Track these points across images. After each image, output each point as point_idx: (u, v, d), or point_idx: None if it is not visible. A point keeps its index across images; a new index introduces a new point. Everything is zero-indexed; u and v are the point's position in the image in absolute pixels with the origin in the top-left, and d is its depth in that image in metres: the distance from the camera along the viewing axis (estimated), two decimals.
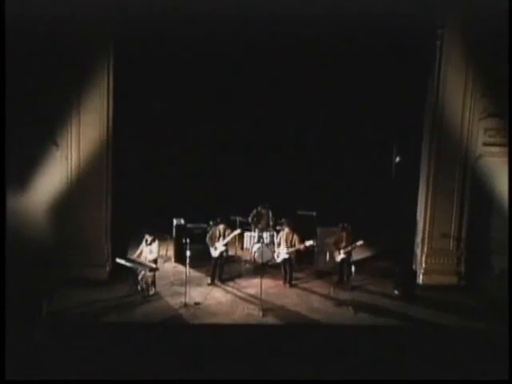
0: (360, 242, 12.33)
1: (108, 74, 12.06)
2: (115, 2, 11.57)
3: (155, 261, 12.05)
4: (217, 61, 13.50)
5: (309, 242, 12.47)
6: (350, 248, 12.32)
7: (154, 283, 11.99)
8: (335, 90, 14.23)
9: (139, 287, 11.76)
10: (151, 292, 11.91)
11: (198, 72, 13.79)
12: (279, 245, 12.62)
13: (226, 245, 12.66)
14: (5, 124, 10.20)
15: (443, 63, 12.28)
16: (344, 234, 12.41)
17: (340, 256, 12.39)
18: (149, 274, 11.83)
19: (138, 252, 12.10)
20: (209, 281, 12.57)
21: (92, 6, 11.45)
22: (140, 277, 11.76)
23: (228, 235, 12.63)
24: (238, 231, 13.06)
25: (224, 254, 12.75)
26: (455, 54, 12.17)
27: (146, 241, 11.98)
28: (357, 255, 12.71)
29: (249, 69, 13.77)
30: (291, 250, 12.46)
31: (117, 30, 11.96)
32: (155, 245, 12.01)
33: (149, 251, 11.96)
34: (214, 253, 12.57)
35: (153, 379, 9.18)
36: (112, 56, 12.11)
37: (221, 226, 12.59)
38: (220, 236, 12.57)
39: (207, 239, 12.64)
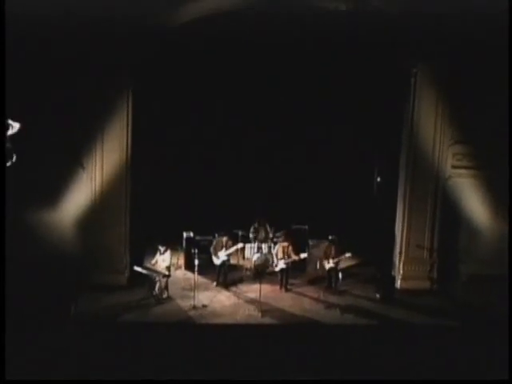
0: (348, 254, 12.29)
1: (127, 107, 12.15)
2: (133, 41, 11.68)
3: (168, 268, 12.03)
4: (225, 84, 13.62)
5: (303, 255, 12.56)
6: (337, 259, 12.29)
7: (166, 288, 12.00)
8: (327, 119, 14.27)
9: (154, 291, 11.79)
10: (164, 296, 11.92)
11: (206, 99, 13.91)
12: (277, 256, 12.59)
13: (227, 255, 12.67)
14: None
15: (417, 97, 12.36)
16: (332, 246, 12.42)
17: (329, 265, 12.39)
18: (162, 279, 11.86)
19: (154, 261, 12.11)
20: (215, 284, 12.66)
21: (110, 48, 11.61)
22: (155, 282, 11.82)
23: (229, 246, 12.63)
24: (240, 245, 13.02)
25: (226, 262, 12.70)
26: (427, 90, 12.27)
27: (160, 251, 12.00)
28: (343, 263, 12.71)
29: (249, 94, 13.84)
30: (288, 260, 12.45)
31: (135, 70, 12.09)
32: (167, 254, 12.01)
33: (162, 260, 11.97)
34: (217, 261, 12.60)
35: (163, 373, 9.12)
36: (131, 91, 12.11)
37: (224, 238, 12.64)
38: (223, 247, 12.58)
39: (211, 248, 12.68)
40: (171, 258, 12.30)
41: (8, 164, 10.28)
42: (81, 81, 11.70)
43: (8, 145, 10.23)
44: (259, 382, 9.03)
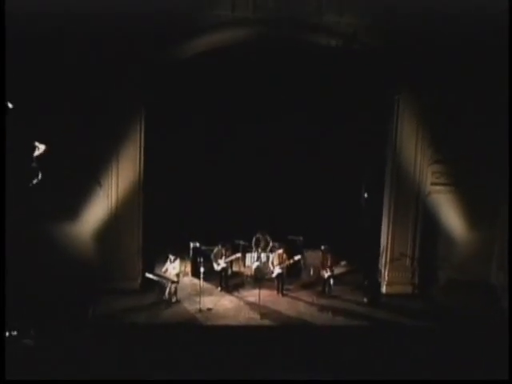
0: (343, 263, 12.55)
1: (140, 130, 12.32)
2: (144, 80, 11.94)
3: (177, 275, 12.18)
4: (232, 111, 13.68)
5: (297, 257, 12.68)
6: (334, 267, 12.49)
7: (175, 293, 12.14)
8: (320, 141, 14.41)
9: (164, 296, 11.95)
10: (173, 300, 12.05)
11: (211, 123, 13.98)
12: (273, 263, 12.72)
13: (226, 263, 12.83)
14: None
15: (399, 122, 12.54)
16: (328, 256, 12.59)
17: (327, 274, 12.56)
18: (171, 285, 12.00)
19: (164, 268, 12.23)
20: (219, 289, 12.86)
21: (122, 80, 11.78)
22: (165, 288, 11.97)
23: (228, 255, 12.82)
24: (238, 255, 13.12)
25: (225, 268, 12.84)
26: (408, 115, 12.45)
27: (170, 259, 12.18)
28: (335, 271, 12.74)
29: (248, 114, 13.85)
30: (283, 265, 12.58)
31: (147, 97, 12.26)
32: (177, 262, 12.19)
33: (172, 267, 12.14)
34: (217, 267, 12.79)
35: (171, 370, 9.23)
36: (143, 116, 12.29)
37: (224, 247, 12.86)
38: (222, 255, 12.77)
39: (212, 256, 12.86)
40: (180, 266, 12.46)
41: (34, 182, 10.63)
42: (98, 107, 11.88)
43: (34, 164, 10.59)
44: (259, 381, 9.14)
